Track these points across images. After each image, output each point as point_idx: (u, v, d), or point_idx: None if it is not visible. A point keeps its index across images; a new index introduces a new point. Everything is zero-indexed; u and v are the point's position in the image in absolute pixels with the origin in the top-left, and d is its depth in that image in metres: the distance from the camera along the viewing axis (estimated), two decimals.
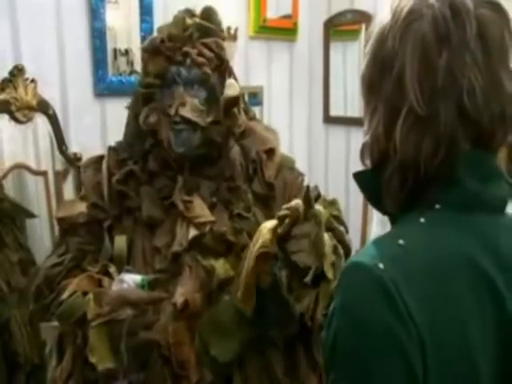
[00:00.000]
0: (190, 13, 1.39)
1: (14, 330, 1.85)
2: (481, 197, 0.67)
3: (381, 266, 0.61)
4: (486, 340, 0.62)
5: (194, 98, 1.32)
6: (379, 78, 0.70)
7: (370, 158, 0.73)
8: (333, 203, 1.39)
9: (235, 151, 1.41)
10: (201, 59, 1.32)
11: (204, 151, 1.35)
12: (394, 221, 0.74)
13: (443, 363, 0.60)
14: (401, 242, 0.64)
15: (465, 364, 0.61)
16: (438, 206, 0.67)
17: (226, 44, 1.43)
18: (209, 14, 1.39)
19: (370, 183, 0.74)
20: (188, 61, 1.32)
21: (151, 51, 1.34)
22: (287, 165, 1.48)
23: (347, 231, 1.33)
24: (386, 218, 0.77)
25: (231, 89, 1.35)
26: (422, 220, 0.67)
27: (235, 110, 1.38)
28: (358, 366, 0.61)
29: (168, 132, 1.31)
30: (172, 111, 1.30)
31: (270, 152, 1.45)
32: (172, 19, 1.39)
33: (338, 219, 1.33)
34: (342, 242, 1.24)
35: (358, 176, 0.75)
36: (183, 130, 1.30)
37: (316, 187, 1.41)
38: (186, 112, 1.29)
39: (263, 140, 1.46)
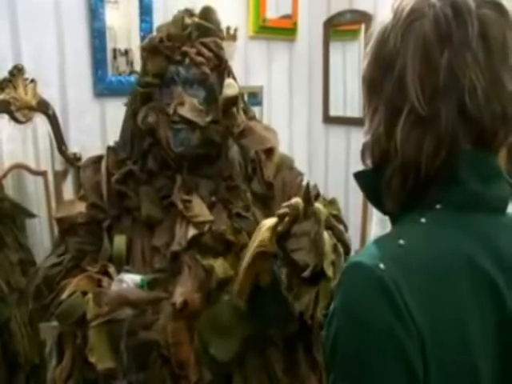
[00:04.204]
0: (189, 12, 1.39)
1: (14, 330, 1.85)
2: (482, 197, 0.67)
3: (381, 266, 0.61)
4: (486, 339, 0.62)
5: (193, 97, 1.32)
6: (380, 77, 0.70)
7: (370, 157, 0.73)
8: (332, 202, 1.39)
9: (234, 151, 1.41)
10: (199, 59, 1.32)
11: (203, 151, 1.35)
12: (394, 220, 0.74)
13: (443, 363, 0.60)
14: (401, 242, 0.64)
15: (465, 363, 0.61)
16: (438, 206, 0.67)
17: (225, 44, 1.43)
18: (207, 13, 1.39)
19: (371, 183, 0.73)
20: (187, 60, 1.32)
21: (150, 50, 1.34)
22: (286, 164, 1.48)
23: (347, 230, 1.33)
24: (385, 218, 0.77)
25: (230, 88, 1.35)
26: (423, 220, 0.67)
27: (234, 109, 1.38)
28: (359, 365, 0.61)
29: (167, 131, 1.31)
30: (171, 110, 1.30)
31: (269, 152, 1.45)
32: (171, 19, 1.40)
33: (338, 218, 1.33)
34: (341, 240, 1.23)
35: (358, 176, 0.75)
36: (182, 129, 1.30)
37: (315, 186, 1.41)
38: (184, 111, 1.29)
39: (262, 140, 1.46)
